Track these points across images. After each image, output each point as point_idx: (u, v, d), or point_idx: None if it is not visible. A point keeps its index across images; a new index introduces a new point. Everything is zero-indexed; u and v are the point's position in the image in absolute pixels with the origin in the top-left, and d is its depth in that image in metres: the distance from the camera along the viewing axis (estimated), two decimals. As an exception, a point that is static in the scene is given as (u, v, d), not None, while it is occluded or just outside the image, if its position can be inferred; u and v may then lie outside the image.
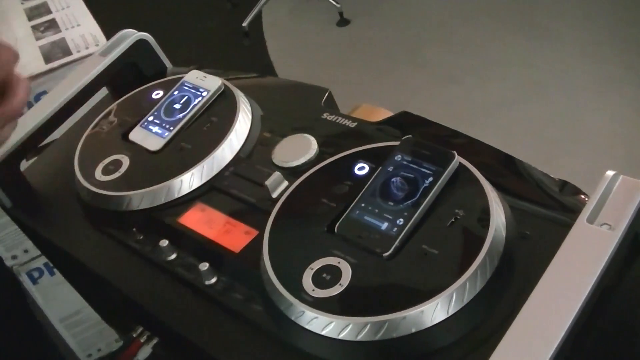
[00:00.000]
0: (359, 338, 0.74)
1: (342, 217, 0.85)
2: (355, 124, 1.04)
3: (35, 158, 1.28)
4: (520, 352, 0.65)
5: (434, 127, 1.02)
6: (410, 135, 0.91)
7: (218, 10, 4.02)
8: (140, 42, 1.27)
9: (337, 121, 1.06)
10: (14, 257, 1.79)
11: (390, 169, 0.87)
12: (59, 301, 1.90)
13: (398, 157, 0.87)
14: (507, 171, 0.95)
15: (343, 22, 3.62)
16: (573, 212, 0.79)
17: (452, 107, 2.89)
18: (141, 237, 0.99)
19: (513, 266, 0.77)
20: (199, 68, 1.21)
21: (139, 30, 1.29)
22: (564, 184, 0.89)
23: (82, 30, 1.75)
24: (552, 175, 0.91)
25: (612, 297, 0.72)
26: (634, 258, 0.75)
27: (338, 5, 3.60)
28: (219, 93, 1.12)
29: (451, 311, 0.73)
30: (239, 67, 3.51)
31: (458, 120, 2.75)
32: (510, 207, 0.83)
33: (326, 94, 1.13)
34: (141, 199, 1.02)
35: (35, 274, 1.82)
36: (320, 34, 3.64)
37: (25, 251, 1.79)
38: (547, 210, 0.85)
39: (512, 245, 0.78)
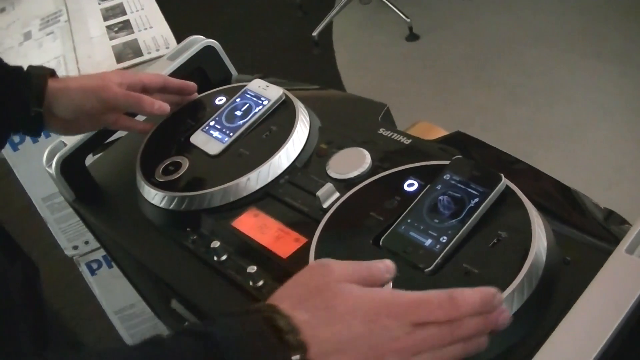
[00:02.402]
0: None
1: (388, 231, 0.87)
2: (410, 141, 1.06)
3: (100, 154, 1.33)
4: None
5: (486, 149, 1.03)
6: (460, 156, 0.92)
7: (289, 18, 4.06)
8: (208, 49, 1.31)
9: (392, 137, 1.08)
10: (74, 248, 1.85)
11: (439, 187, 0.89)
12: (115, 293, 1.95)
13: (447, 177, 0.89)
14: (553, 196, 0.96)
15: (412, 36, 3.63)
16: (617, 241, 0.80)
17: (517, 128, 2.88)
18: (195, 237, 1.03)
19: (550, 291, 0.78)
20: (263, 77, 1.24)
21: (210, 35, 1.33)
22: (609, 213, 0.90)
23: (154, 32, 1.80)
24: (607, 203, 0.92)
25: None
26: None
27: (408, 20, 3.61)
28: (279, 102, 1.15)
29: (486, 330, 0.74)
30: (307, 75, 3.55)
31: (522, 141, 2.74)
32: (553, 231, 0.84)
33: (384, 110, 1.15)
34: (197, 200, 1.05)
35: (94, 266, 1.88)
36: (389, 47, 3.65)
37: (86, 243, 1.85)
38: (590, 237, 0.86)
39: (551, 270, 0.79)
